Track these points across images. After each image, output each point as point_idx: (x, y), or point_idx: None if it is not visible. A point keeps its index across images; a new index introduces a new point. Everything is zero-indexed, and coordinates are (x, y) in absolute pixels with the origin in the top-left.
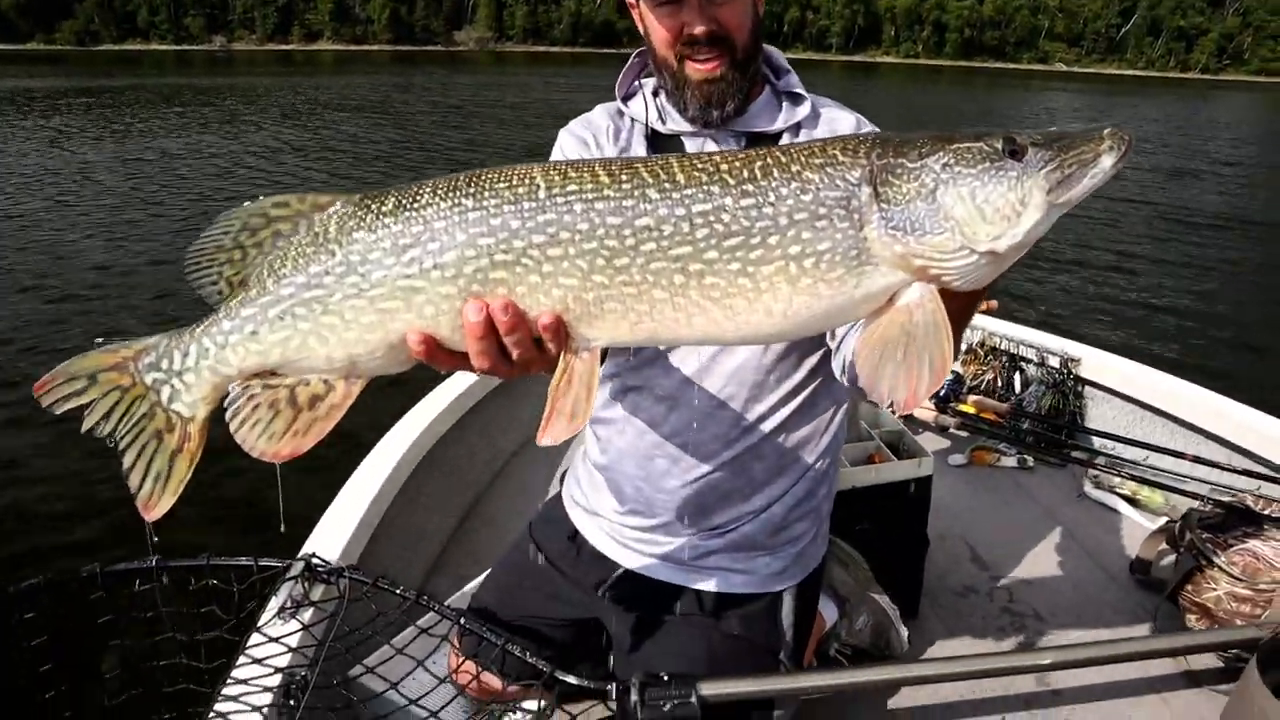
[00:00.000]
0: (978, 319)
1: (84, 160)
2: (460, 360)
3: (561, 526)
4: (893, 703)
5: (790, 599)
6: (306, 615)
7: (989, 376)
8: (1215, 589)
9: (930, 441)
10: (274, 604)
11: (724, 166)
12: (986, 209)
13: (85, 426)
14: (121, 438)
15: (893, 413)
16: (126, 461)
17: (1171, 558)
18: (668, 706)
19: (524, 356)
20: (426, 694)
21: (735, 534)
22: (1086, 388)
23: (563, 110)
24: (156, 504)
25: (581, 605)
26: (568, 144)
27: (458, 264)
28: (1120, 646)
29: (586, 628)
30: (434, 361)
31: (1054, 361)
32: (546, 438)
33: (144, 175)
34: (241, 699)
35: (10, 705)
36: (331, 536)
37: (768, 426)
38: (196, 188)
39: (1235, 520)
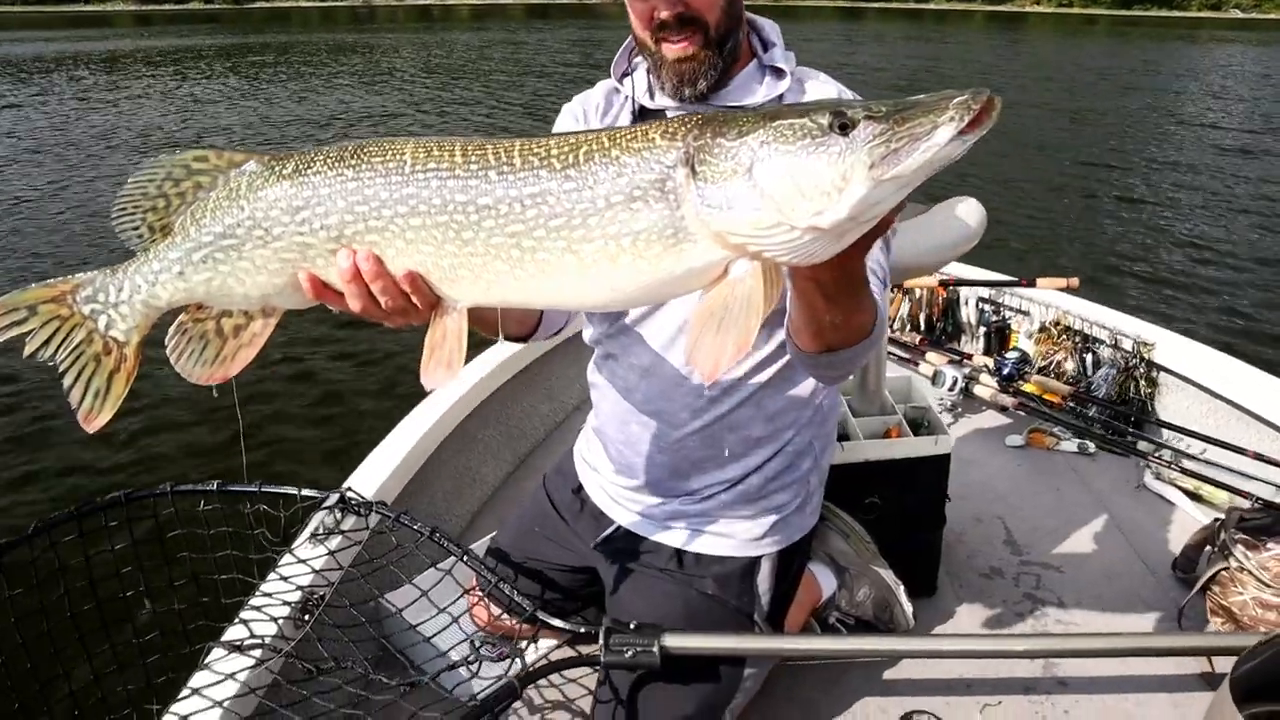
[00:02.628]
0: (1052, 297)
1: (217, 115)
2: (343, 301)
3: (569, 479)
4: (888, 674)
5: (769, 564)
6: (334, 542)
7: (1059, 357)
8: (1242, 593)
9: (988, 420)
10: (307, 530)
11: (554, 151)
12: (805, 185)
13: (26, 352)
14: (61, 361)
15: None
16: (67, 382)
17: (1208, 557)
18: (630, 653)
19: (394, 305)
20: (440, 630)
21: (712, 500)
22: (1160, 374)
23: None
24: (96, 417)
25: (581, 554)
26: (562, 119)
27: (339, 226)
28: (1131, 640)
29: (587, 575)
30: (325, 300)
31: (1127, 344)
32: (427, 380)
33: (277, 128)
34: (263, 609)
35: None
36: (376, 472)
37: (737, 399)
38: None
39: None
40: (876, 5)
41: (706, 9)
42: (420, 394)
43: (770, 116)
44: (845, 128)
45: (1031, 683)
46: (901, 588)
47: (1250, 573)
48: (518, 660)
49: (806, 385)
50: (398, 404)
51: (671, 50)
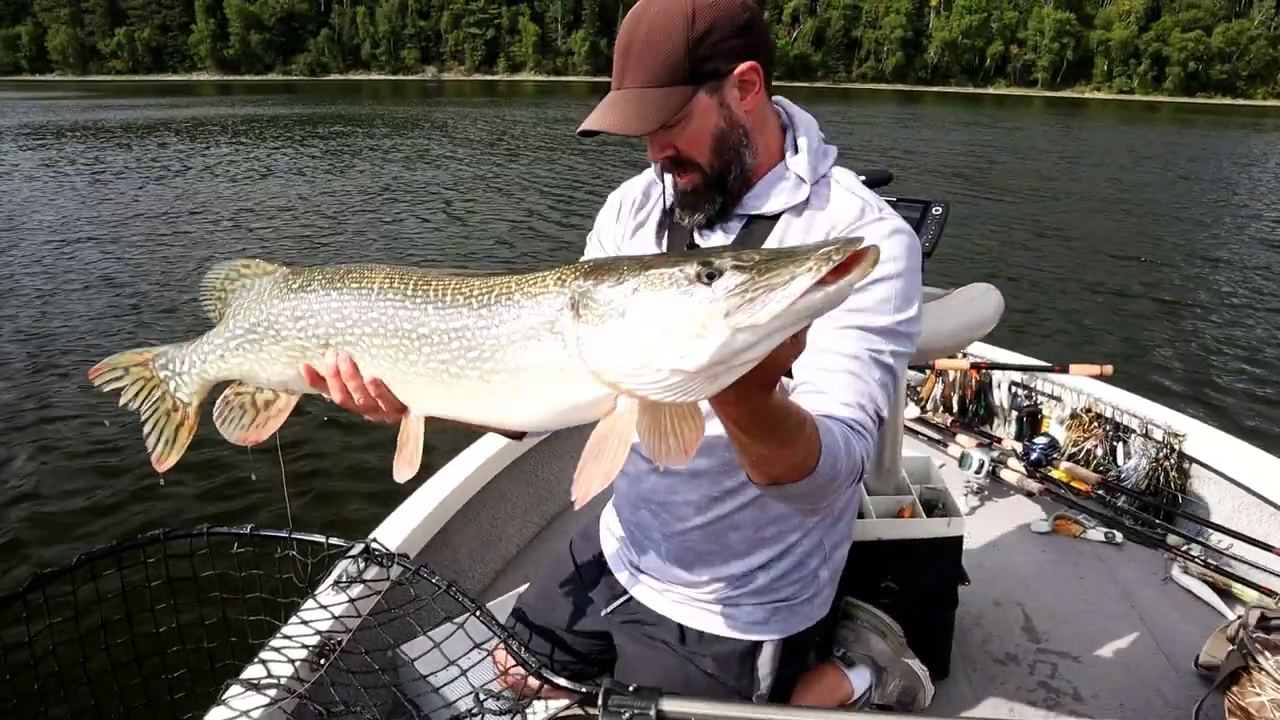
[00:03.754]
0: (1084, 384)
1: (289, 183)
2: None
3: (593, 544)
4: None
5: (770, 649)
6: (355, 590)
7: (1090, 444)
8: (1260, 694)
9: (1014, 505)
10: (331, 577)
11: (475, 291)
12: (668, 330)
13: (120, 403)
14: (142, 413)
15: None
16: (145, 430)
17: (1230, 655)
18: (626, 715)
19: (365, 403)
20: (449, 682)
21: (716, 589)
22: (1192, 465)
23: None
24: (165, 460)
25: (597, 619)
26: (605, 209)
27: (325, 334)
28: None
29: (604, 640)
30: (319, 389)
31: (1158, 434)
32: (395, 474)
33: (336, 198)
34: (282, 651)
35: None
36: (404, 524)
37: (740, 500)
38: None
39: None
40: (935, 90)
41: (694, 152)
42: (456, 448)
43: (646, 265)
44: (711, 277)
45: None
46: (926, 673)
47: (1269, 674)
48: (520, 716)
49: None
50: (432, 458)
51: (677, 183)
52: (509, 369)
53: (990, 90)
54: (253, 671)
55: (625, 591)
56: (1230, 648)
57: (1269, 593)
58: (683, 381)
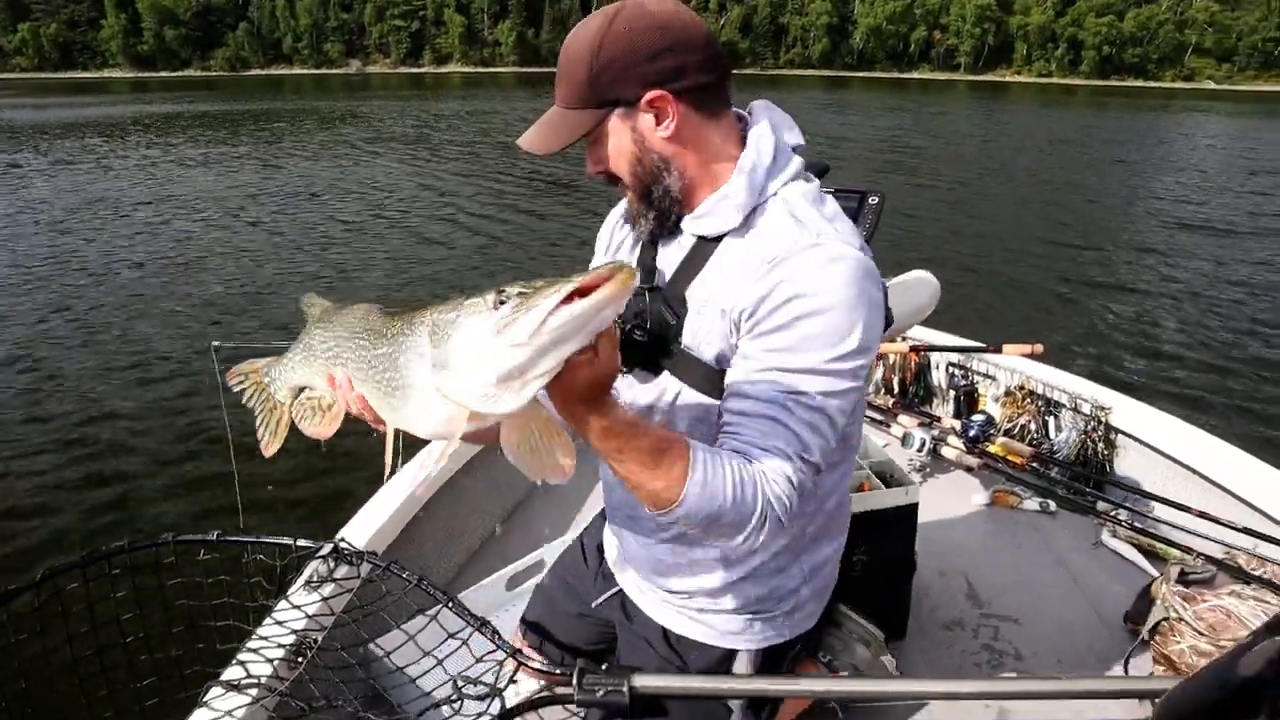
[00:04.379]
0: (1017, 363)
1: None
2: None
3: (599, 535)
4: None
5: (746, 658)
6: (327, 590)
7: (1023, 420)
8: (1180, 642)
9: (955, 480)
10: (301, 578)
11: (398, 324)
12: (471, 351)
13: (242, 401)
14: (255, 410)
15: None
16: (257, 424)
17: (1155, 609)
18: (600, 693)
19: (360, 413)
20: (425, 672)
21: (692, 598)
22: (1117, 436)
23: None
24: (270, 447)
25: (594, 608)
26: (604, 224)
27: (334, 357)
28: (1078, 684)
29: (610, 628)
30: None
31: (1086, 408)
32: (386, 473)
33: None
34: (260, 651)
35: (97, 643)
36: (370, 522)
37: None
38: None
39: (1223, 576)
40: (862, 75)
41: (613, 166)
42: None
43: (468, 295)
44: (503, 304)
45: None
46: (895, 664)
47: (1187, 623)
48: (499, 700)
49: None
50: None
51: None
52: (403, 388)
53: (915, 75)
54: (232, 672)
55: (617, 586)
56: (1154, 602)
57: (1189, 551)
58: (492, 394)
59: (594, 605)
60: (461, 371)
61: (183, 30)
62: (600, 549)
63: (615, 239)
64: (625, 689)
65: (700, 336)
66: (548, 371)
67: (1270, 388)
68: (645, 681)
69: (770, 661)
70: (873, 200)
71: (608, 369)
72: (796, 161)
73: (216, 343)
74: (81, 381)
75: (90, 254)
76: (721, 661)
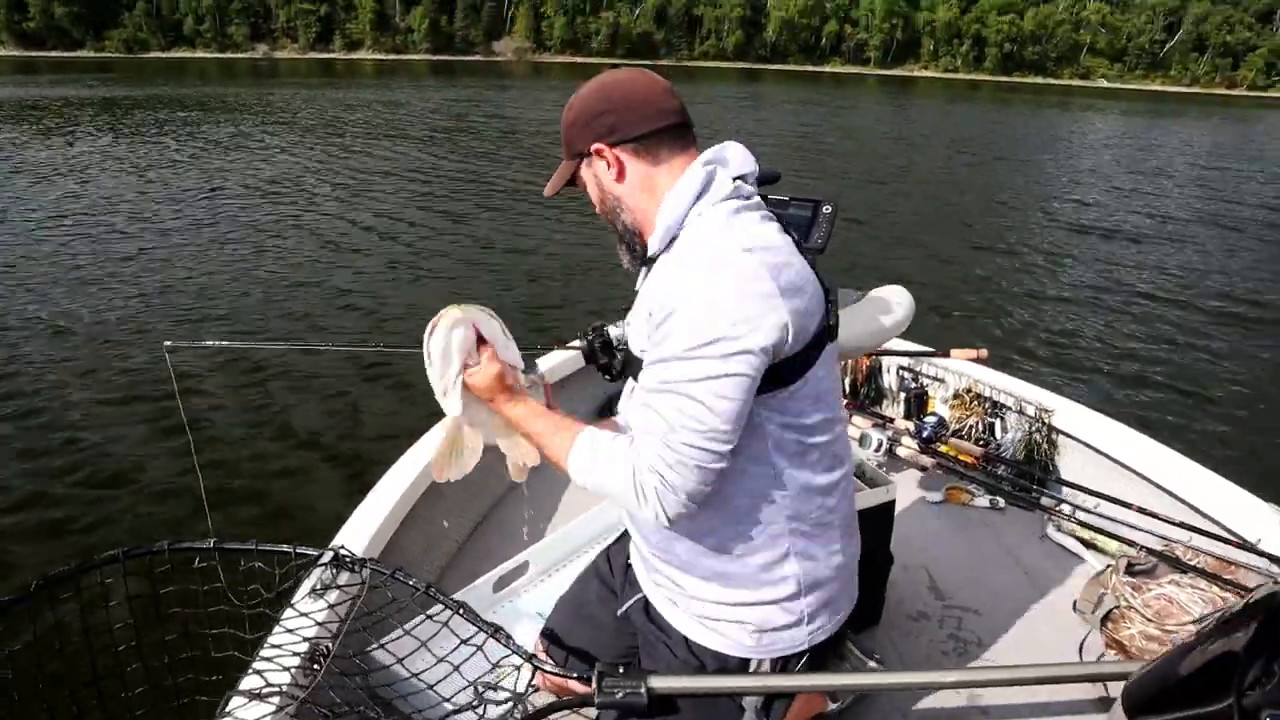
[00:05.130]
0: (964, 366)
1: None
2: None
3: (626, 548)
4: (837, 707)
5: (761, 667)
6: (332, 596)
7: (971, 421)
8: (1130, 628)
9: (910, 479)
10: (306, 585)
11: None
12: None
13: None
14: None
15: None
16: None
17: (1104, 598)
18: (619, 695)
19: None
20: (443, 678)
21: (705, 608)
22: (1059, 437)
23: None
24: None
25: (619, 616)
26: None
27: None
28: (1042, 671)
29: (631, 640)
30: None
31: (1030, 410)
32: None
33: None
34: (275, 660)
35: (91, 655)
36: (362, 528)
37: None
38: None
39: (1164, 567)
40: (775, 68)
41: (597, 209)
42: (382, 459)
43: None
44: None
45: (959, 712)
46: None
47: (1136, 610)
48: (521, 706)
49: (739, 502)
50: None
51: None
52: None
53: (827, 69)
54: (251, 682)
55: (640, 592)
56: (1101, 590)
57: (1129, 543)
58: (441, 400)
59: (619, 613)
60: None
61: (74, 8)
62: (627, 560)
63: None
64: (643, 689)
65: (638, 343)
66: (453, 381)
67: (1183, 384)
68: (661, 682)
69: (783, 670)
70: (826, 210)
71: (486, 372)
72: (726, 186)
73: (169, 342)
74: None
75: None
76: (738, 669)
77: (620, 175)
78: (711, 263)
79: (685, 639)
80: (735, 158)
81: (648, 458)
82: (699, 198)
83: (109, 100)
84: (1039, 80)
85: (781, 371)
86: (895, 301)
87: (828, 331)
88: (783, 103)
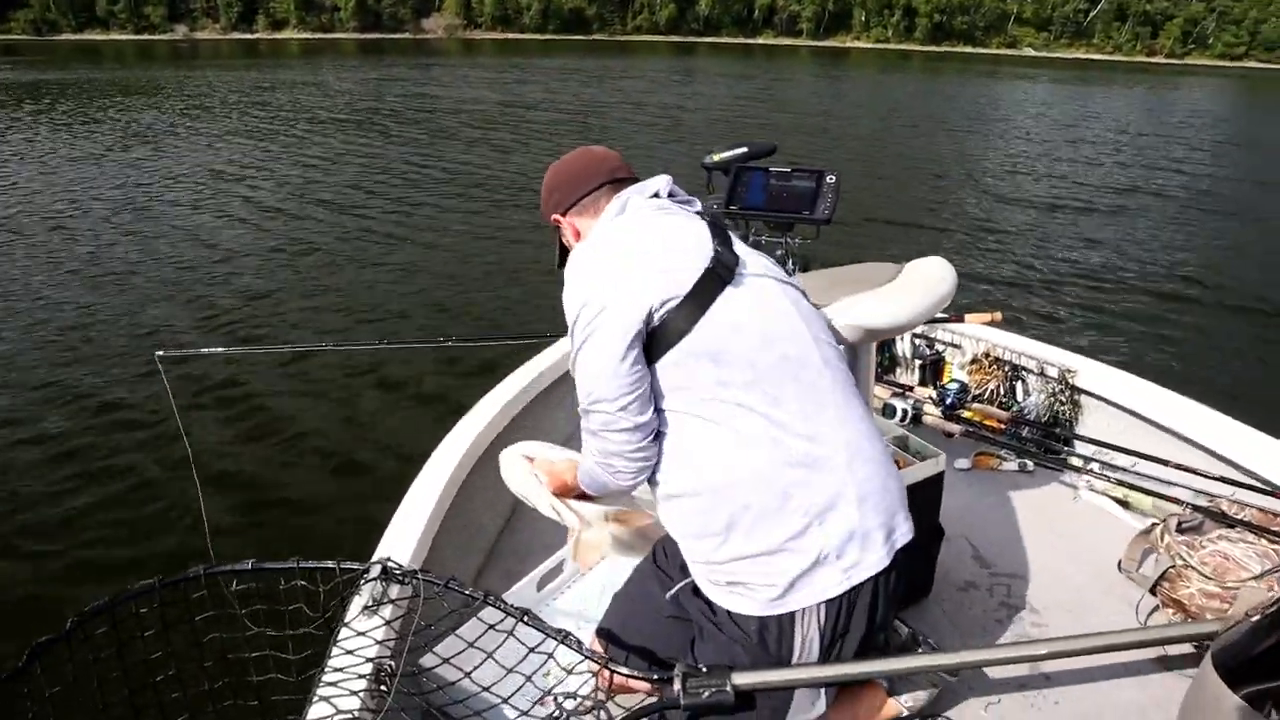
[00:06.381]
0: (982, 330)
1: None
2: None
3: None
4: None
5: (808, 615)
6: (386, 612)
7: (992, 385)
8: (1189, 586)
9: (939, 447)
10: (357, 603)
11: None
12: None
13: None
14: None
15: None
16: None
17: (1154, 557)
18: (706, 694)
19: None
20: (516, 690)
21: (714, 572)
22: (1083, 396)
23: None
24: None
25: (669, 603)
26: None
27: None
28: (1106, 638)
29: (686, 625)
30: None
31: (1052, 371)
32: None
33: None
34: (340, 684)
35: (125, 690)
36: (401, 537)
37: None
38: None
39: (1210, 523)
40: (709, 40)
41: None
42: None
43: None
44: None
45: (1023, 680)
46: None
47: (1194, 569)
48: (603, 711)
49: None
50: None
51: None
52: None
53: (760, 41)
54: (320, 710)
55: (689, 576)
56: (1147, 548)
57: (1167, 499)
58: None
59: (669, 595)
60: None
61: None
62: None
63: None
64: (729, 687)
65: None
66: (550, 505)
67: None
68: (744, 678)
69: (830, 616)
70: (830, 179)
71: (553, 484)
72: (620, 201)
73: (161, 352)
74: None
75: None
76: (787, 629)
77: (576, 234)
78: (571, 263)
79: (728, 612)
80: (653, 183)
81: (588, 423)
82: (608, 218)
83: (19, 85)
84: (968, 50)
85: (671, 326)
86: (938, 276)
87: (710, 275)
88: (717, 77)
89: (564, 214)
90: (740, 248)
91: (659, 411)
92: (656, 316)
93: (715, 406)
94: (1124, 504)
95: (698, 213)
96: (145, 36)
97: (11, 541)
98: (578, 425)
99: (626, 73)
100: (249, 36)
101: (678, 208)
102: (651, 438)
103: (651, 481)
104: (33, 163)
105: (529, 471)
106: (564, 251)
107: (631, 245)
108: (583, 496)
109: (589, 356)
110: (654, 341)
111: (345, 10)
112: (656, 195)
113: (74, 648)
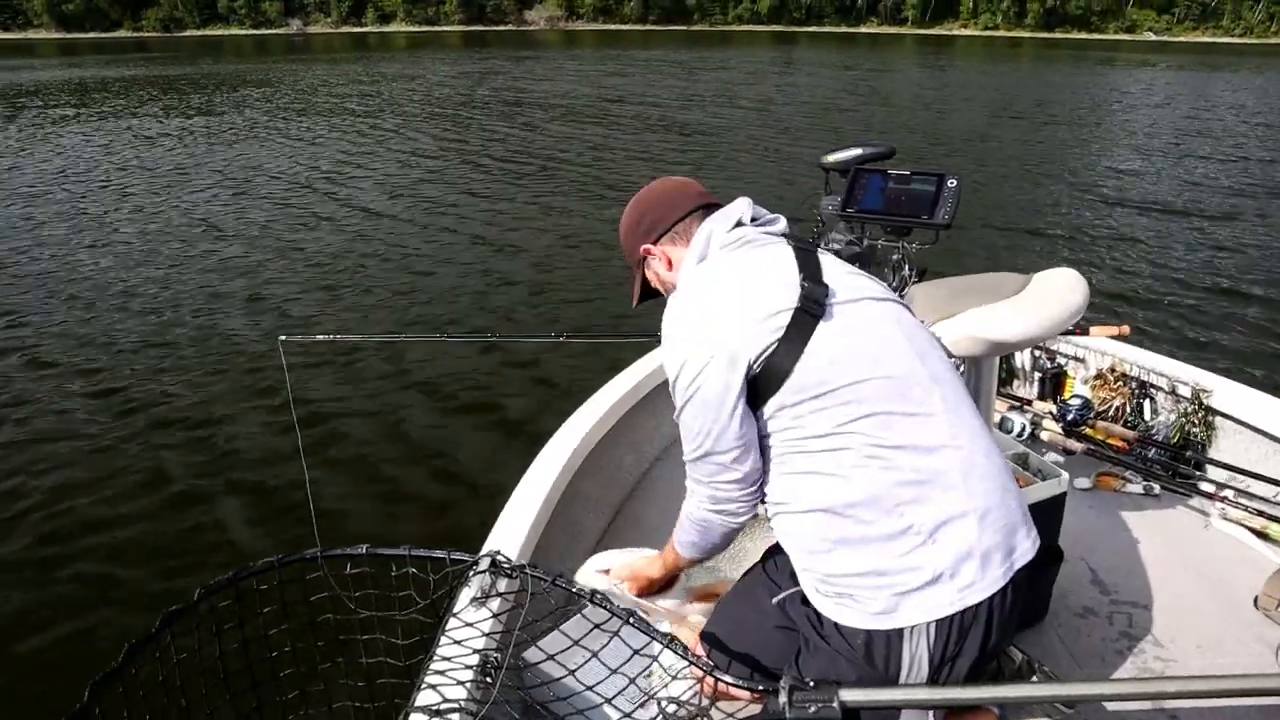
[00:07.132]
0: (1107, 344)
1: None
2: None
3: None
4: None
5: (917, 634)
6: (494, 605)
7: (1118, 402)
8: None
9: (1055, 464)
10: (466, 594)
11: None
12: None
13: None
14: None
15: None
16: None
17: None
18: (812, 709)
19: None
20: (619, 692)
21: (824, 584)
22: (1218, 418)
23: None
24: None
25: (777, 612)
26: None
27: None
28: (1244, 681)
29: (792, 635)
30: None
31: (1184, 390)
32: None
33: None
34: (447, 674)
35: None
36: (510, 531)
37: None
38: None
39: None
40: (811, 30)
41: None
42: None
43: None
44: None
45: (1145, 715)
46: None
47: None
48: (705, 718)
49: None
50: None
51: None
52: None
53: (864, 29)
54: (426, 697)
55: (796, 585)
56: None
57: None
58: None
59: (774, 601)
60: None
61: None
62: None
63: None
64: (836, 704)
65: None
66: (640, 606)
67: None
68: (852, 695)
69: (941, 635)
70: (951, 184)
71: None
72: (703, 237)
73: (284, 336)
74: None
75: (57, 234)
76: (894, 645)
77: (669, 264)
78: (671, 306)
79: (835, 624)
80: (734, 210)
81: (693, 475)
82: (697, 257)
83: (151, 80)
84: (1083, 35)
85: (772, 372)
86: (1068, 287)
87: (800, 315)
88: (818, 68)
89: (655, 242)
90: (830, 273)
91: (766, 449)
92: (755, 366)
93: (823, 441)
94: (1262, 535)
95: (782, 233)
96: (262, 31)
97: (130, 517)
98: (676, 435)
99: (724, 64)
100: (358, 30)
101: (761, 234)
102: (760, 479)
103: (762, 501)
104: (162, 155)
105: (607, 585)
106: (646, 288)
107: (721, 296)
108: (666, 586)
109: (694, 414)
110: (755, 389)
111: (450, 3)
112: (740, 223)
113: (199, 617)
